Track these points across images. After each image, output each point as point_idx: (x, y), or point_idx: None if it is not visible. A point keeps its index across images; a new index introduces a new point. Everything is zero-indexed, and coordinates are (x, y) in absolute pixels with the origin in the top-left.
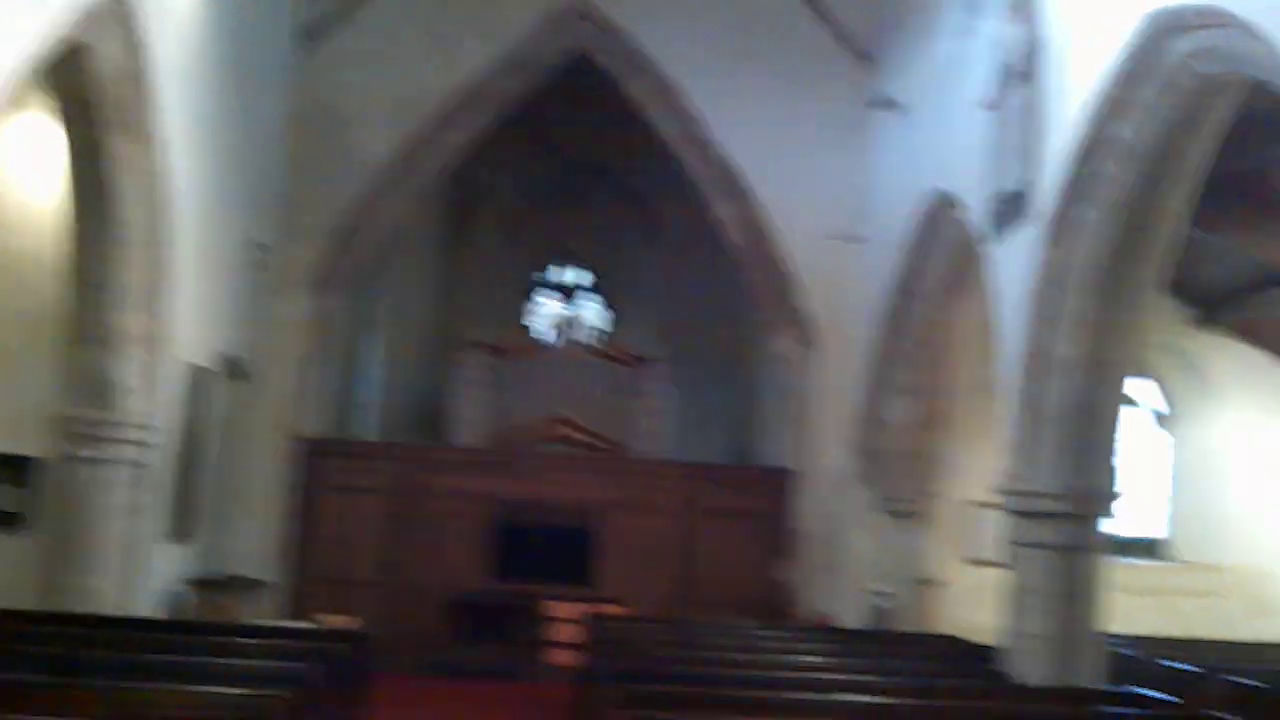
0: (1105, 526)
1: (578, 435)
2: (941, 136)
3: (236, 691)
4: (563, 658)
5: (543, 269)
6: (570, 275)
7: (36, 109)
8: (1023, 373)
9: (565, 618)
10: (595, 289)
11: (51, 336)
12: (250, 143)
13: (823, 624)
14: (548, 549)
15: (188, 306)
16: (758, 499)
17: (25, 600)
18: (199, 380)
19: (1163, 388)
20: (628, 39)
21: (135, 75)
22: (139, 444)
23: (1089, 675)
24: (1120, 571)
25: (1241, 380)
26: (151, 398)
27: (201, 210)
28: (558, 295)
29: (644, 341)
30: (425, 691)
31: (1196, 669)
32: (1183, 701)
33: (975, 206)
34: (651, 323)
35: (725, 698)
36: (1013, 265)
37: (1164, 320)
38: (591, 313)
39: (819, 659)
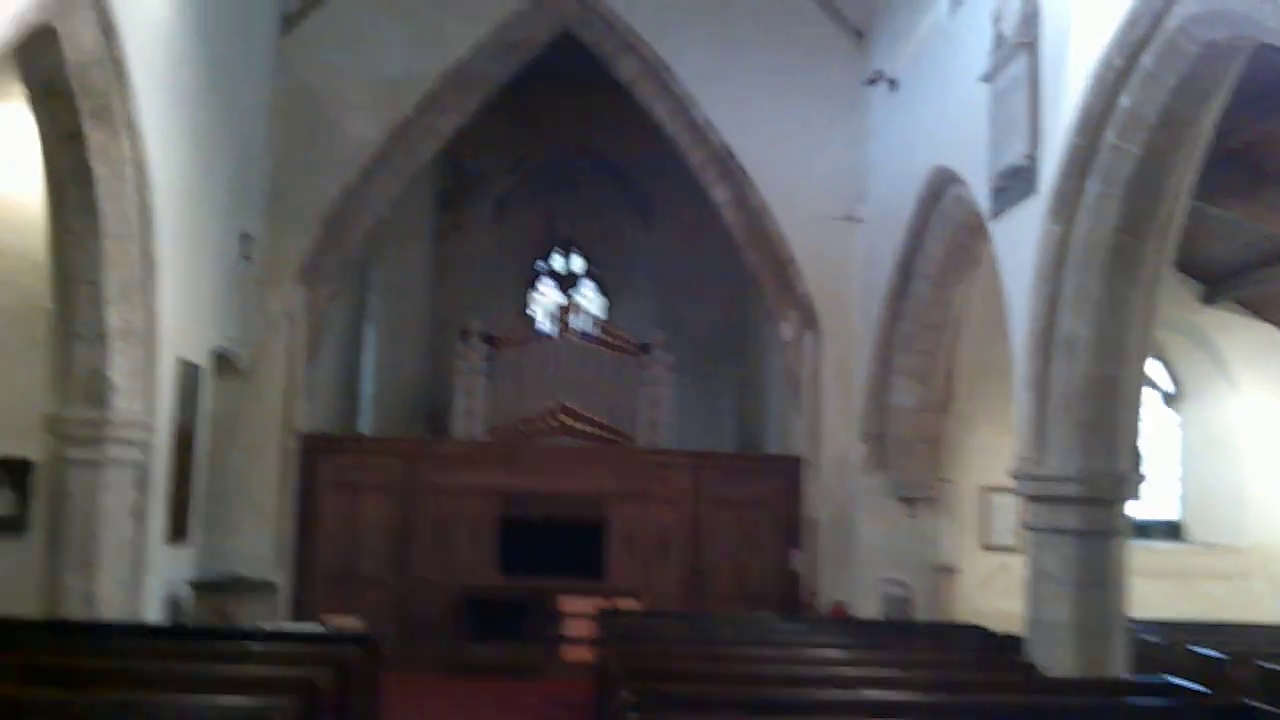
0: (1126, 509)
1: (581, 426)
2: (940, 112)
3: (245, 701)
4: (578, 653)
5: (540, 256)
6: (567, 262)
7: (14, 98)
8: (1032, 353)
9: (578, 612)
10: (590, 275)
11: (39, 333)
12: (233, 130)
13: (839, 615)
14: (556, 542)
15: (176, 300)
16: (767, 487)
17: (27, 606)
18: (191, 376)
19: (1169, 366)
20: (614, 17)
21: (108, 60)
22: (135, 443)
23: (1116, 664)
24: (1137, 554)
25: (1251, 357)
26: (144, 396)
27: (185, 200)
28: (554, 283)
29: (641, 328)
30: (439, 691)
31: (1226, 655)
32: (1216, 690)
33: (977, 182)
34: (649, 308)
35: (747, 696)
36: (1018, 242)
37: (1170, 296)
38: (590, 300)
39: (840, 653)
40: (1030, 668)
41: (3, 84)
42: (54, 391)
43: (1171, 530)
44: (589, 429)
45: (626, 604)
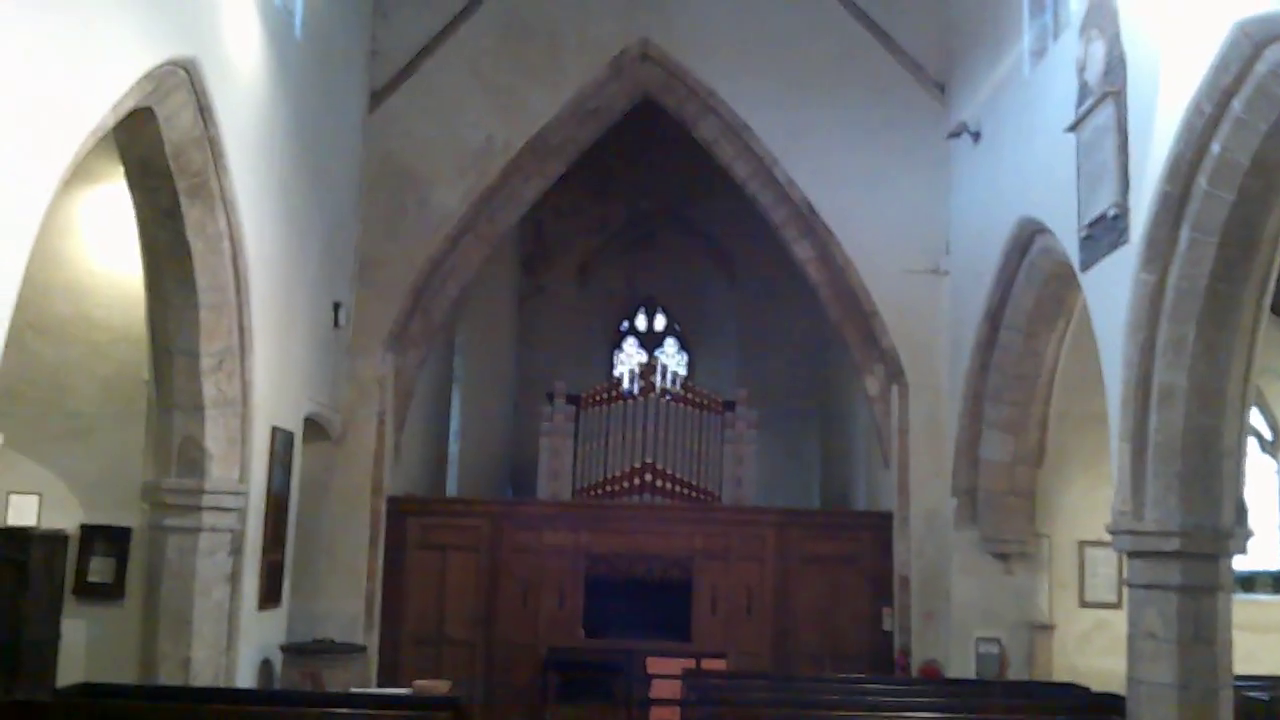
0: (1231, 564)
1: (665, 484)
2: (1024, 162)
3: None
4: (664, 715)
5: (623, 316)
6: (650, 321)
7: (111, 177)
8: (1128, 404)
9: (665, 673)
10: (673, 333)
11: (133, 404)
12: (323, 202)
13: (931, 674)
14: (642, 602)
15: (269, 369)
16: (855, 544)
17: (124, 672)
18: (284, 443)
19: (1267, 413)
20: (692, 79)
21: (203, 139)
22: (230, 510)
23: None
24: (1242, 608)
25: None
26: (239, 463)
27: (278, 272)
28: (638, 342)
29: (725, 385)
30: None
31: None
32: None
33: (1065, 233)
34: (733, 365)
35: None
36: (1111, 292)
37: (1268, 342)
38: (673, 359)
39: (935, 715)
40: None
41: (102, 164)
42: (151, 460)
43: (1278, 581)
44: (673, 488)
45: (713, 664)
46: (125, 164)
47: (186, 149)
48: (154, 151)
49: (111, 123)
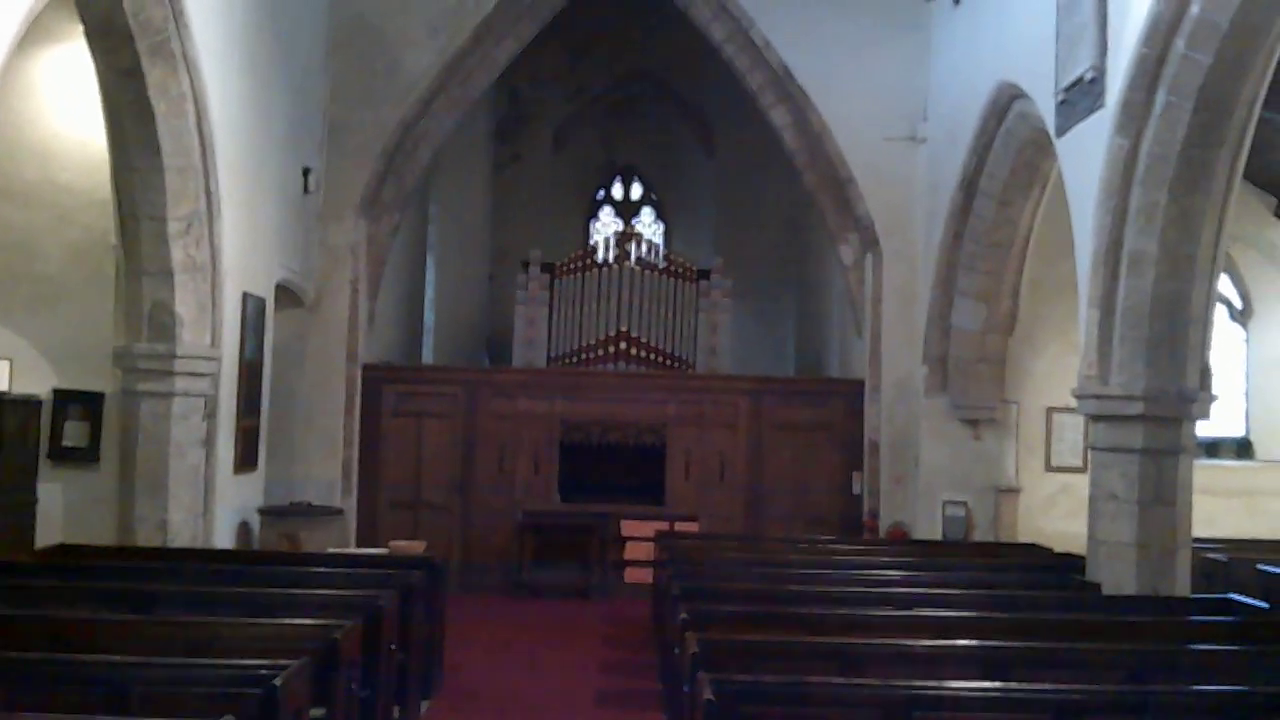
0: (1193, 428)
1: (640, 352)
2: (1004, 26)
3: (310, 622)
4: (638, 575)
5: (599, 185)
6: (626, 190)
7: (72, 38)
8: (1097, 270)
9: (638, 536)
10: (650, 202)
11: (102, 269)
12: (291, 64)
13: (899, 536)
14: (616, 467)
15: (238, 234)
16: (827, 411)
17: (101, 534)
18: (256, 309)
19: (1237, 281)
20: None
21: None
22: (202, 375)
23: (1180, 582)
24: (1206, 472)
25: None
26: (210, 328)
27: (245, 135)
28: (614, 210)
29: (701, 253)
30: (501, 612)
31: None
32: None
33: (1042, 98)
34: (709, 234)
35: (803, 616)
36: (1085, 157)
37: (1241, 210)
38: (649, 227)
39: (898, 573)
40: (1091, 586)
41: (61, 24)
42: (122, 326)
43: (1242, 448)
44: (648, 356)
45: (686, 527)
46: (84, 23)
47: (146, 6)
48: (113, 9)
49: None
